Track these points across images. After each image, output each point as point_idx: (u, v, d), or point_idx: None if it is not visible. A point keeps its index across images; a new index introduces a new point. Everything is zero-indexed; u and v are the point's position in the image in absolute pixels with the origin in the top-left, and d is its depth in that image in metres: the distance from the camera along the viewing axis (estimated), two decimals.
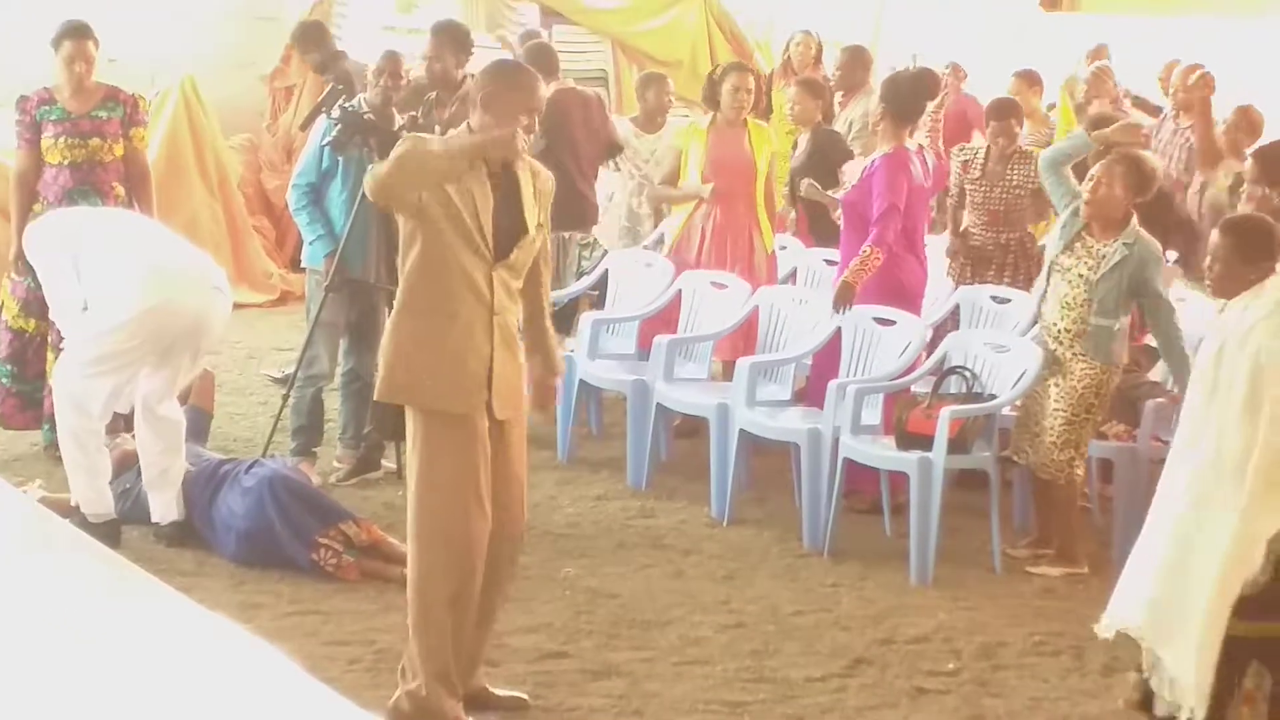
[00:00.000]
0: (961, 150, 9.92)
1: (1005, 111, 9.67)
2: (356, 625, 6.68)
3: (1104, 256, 7.61)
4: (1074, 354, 7.64)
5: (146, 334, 7.30)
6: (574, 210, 9.91)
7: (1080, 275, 7.64)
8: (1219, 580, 5.68)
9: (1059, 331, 7.69)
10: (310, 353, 8.52)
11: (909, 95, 8.72)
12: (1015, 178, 9.43)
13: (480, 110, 5.76)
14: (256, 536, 7.28)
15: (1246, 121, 9.71)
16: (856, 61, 11.56)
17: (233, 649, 3.95)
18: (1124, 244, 7.60)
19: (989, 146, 9.61)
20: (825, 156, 10.08)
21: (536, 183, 5.88)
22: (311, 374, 8.54)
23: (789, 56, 12.88)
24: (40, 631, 3.89)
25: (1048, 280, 7.83)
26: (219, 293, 7.59)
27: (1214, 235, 6.03)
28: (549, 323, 6.16)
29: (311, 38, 11.23)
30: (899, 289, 8.45)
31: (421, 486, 5.73)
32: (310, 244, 8.62)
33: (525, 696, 6.02)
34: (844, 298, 8.37)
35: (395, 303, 5.81)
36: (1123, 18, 17.90)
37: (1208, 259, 6.03)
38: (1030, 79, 12.38)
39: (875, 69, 12.28)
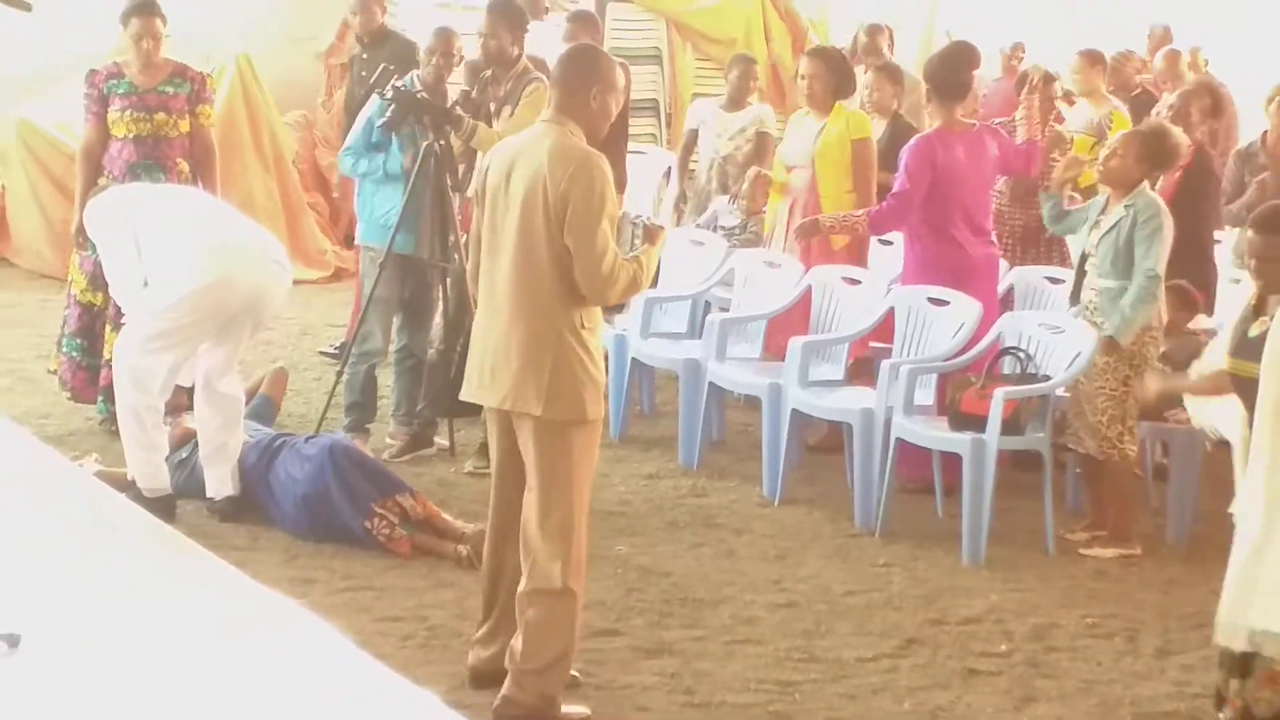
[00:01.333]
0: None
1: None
2: (409, 601, 6.70)
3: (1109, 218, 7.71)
4: (1099, 324, 7.66)
5: (206, 310, 7.33)
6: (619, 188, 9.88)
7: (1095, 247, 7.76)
8: None
9: (1093, 309, 7.70)
10: (364, 329, 8.55)
11: (948, 70, 8.66)
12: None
13: (585, 102, 5.71)
14: (314, 502, 7.32)
15: None
16: (877, 40, 11.61)
17: (286, 624, 3.98)
18: (1125, 205, 7.66)
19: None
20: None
21: None
22: (365, 350, 8.56)
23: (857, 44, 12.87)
24: (96, 605, 3.92)
25: (1080, 264, 7.85)
26: (279, 266, 7.64)
27: (1250, 235, 5.97)
28: None
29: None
30: (936, 270, 8.41)
31: (573, 488, 5.69)
32: (378, 182, 8.59)
33: (578, 674, 6.02)
34: (807, 231, 8.63)
35: (555, 315, 5.63)
36: None
37: (1250, 259, 5.97)
38: (1093, 58, 12.26)
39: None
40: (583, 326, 5.67)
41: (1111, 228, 7.68)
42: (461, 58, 8.94)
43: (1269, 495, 5.53)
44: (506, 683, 5.74)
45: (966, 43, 9.34)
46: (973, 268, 8.45)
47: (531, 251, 5.63)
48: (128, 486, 7.24)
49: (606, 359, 9.17)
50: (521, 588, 5.73)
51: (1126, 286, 7.62)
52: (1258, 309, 5.97)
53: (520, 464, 5.79)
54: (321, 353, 10.61)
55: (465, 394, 5.92)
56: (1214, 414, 6.86)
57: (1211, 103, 9.41)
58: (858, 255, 9.18)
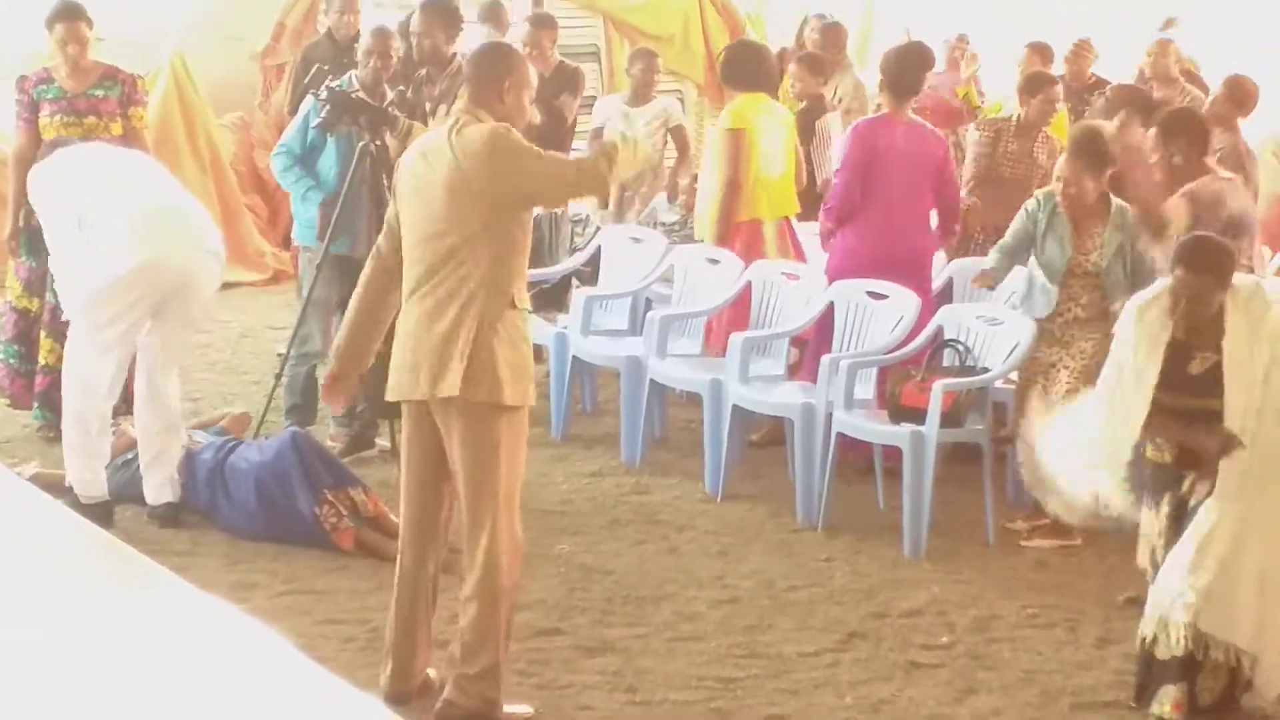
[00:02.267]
0: (994, 121, 9.84)
1: (1047, 84, 9.67)
2: (351, 604, 6.69)
3: (1101, 244, 7.64)
4: (1084, 335, 7.65)
5: (141, 290, 7.27)
6: None
7: (1083, 267, 7.66)
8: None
9: (1069, 320, 7.69)
10: (303, 330, 8.53)
11: (903, 67, 8.73)
12: (1041, 155, 9.44)
13: (498, 98, 5.73)
14: (271, 482, 7.33)
15: (1240, 91, 9.67)
16: (831, 39, 11.66)
17: (227, 629, 3.95)
18: (1115, 227, 7.65)
19: (1018, 118, 9.58)
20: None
21: None
22: (304, 352, 8.54)
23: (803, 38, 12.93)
24: (33, 613, 3.89)
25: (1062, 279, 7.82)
26: (211, 256, 7.55)
27: (1189, 276, 6.01)
28: None
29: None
30: (858, 258, 8.54)
31: (500, 482, 5.67)
32: (304, 195, 8.61)
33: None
34: None
35: (465, 305, 5.61)
36: None
37: (1177, 299, 6.03)
38: (1042, 52, 12.31)
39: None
40: (505, 313, 5.64)
41: (1116, 252, 7.64)
42: (399, 58, 8.92)
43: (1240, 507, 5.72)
44: (448, 686, 5.73)
45: (921, 44, 9.45)
46: (895, 259, 8.47)
47: (453, 240, 5.62)
48: (65, 492, 7.19)
49: (547, 356, 9.25)
50: (462, 592, 5.72)
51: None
52: (1186, 345, 6.02)
53: (438, 466, 5.76)
54: (279, 355, 10.48)
55: (390, 393, 5.85)
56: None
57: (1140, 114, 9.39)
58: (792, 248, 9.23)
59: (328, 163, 8.50)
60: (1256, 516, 5.95)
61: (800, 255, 9.31)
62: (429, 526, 5.86)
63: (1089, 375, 7.57)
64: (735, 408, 8.26)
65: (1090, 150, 7.73)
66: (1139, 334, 6.03)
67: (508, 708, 5.75)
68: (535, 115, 6.01)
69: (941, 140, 8.91)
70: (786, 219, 9.39)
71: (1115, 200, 7.73)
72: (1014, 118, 9.63)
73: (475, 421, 5.64)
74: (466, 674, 5.68)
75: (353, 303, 6.04)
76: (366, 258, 8.27)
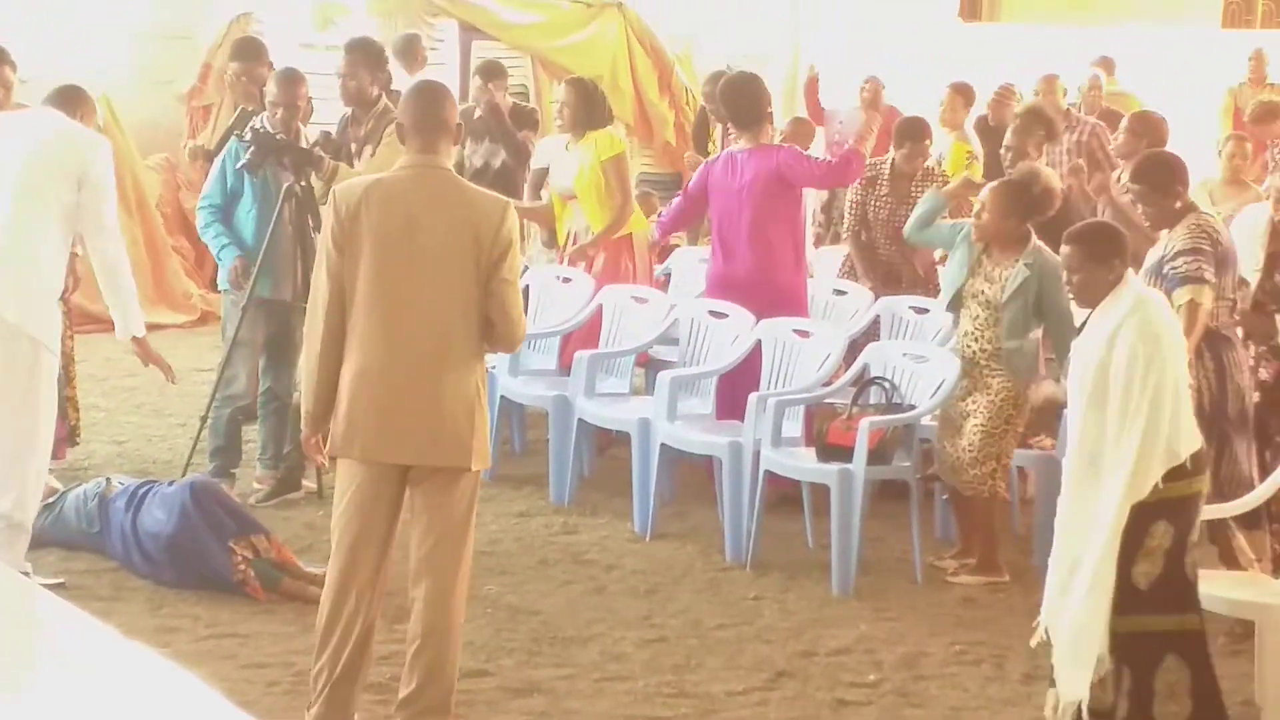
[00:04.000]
0: (868, 167, 9.92)
1: (920, 133, 9.77)
2: (275, 647, 6.63)
3: (1006, 279, 7.68)
4: (991, 371, 7.68)
5: None
6: None
7: (987, 300, 7.70)
8: (1095, 563, 5.84)
9: (974, 353, 7.73)
10: (228, 373, 8.48)
11: (746, 103, 9.06)
12: (919, 195, 9.50)
13: (453, 141, 5.78)
14: (179, 541, 7.25)
15: (1145, 125, 9.78)
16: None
17: (149, 675, 3.91)
18: (1024, 264, 7.67)
19: (893, 163, 9.67)
20: None
21: None
22: (229, 394, 8.49)
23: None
24: None
25: (956, 308, 7.87)
26: None
27: (1063, 249, 6.10)
28: None
29: (248, 48, 11.07)
30: (712, 280, 9.07)
31: (467, 538, 5.75)
32: (218, 254, 8.60)
33: None
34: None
35: (467, 369, 5.62)
36: (1041, 27, 18.06)
37: (1064, 273, 6.13)
38: (964, 93, 12.42)
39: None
40: (480, 378, 5.71)
41: (1017, 291, 7.64)
42: (309, 106, 8.87)
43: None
44: None
45: (752, 76, 9.57)
46: (733, 281, 8.82)
47: (453, 300, 5.56)
48: None
49: None
50: (429, 634, 5.66)
51: (1024, 345, 7.66)
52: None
53: (391, 519, 5.71)
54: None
55: (346, 450, 5.65)
56: None
57: (1045, 132, 9.49)
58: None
59: (245, 207, 8.46)
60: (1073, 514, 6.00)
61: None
62: (376, 577, 5.74)
63: (997, 415, 7.64)
64: (663, 446, 8.25)
65: (1019, 191, 7.80)
66: None
67: None
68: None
69: (775, 153, 8.96)
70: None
71: (1035, 241, 7.76)
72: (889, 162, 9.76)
73: (470, 485, 5.70)
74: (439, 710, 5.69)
75: (318, 365, 5.67)
76: (290, 299, 8.33)
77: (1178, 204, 7.12)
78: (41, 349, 6.88)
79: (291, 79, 8.62)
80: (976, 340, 7.74)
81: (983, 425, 7.67)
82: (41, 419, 6.93)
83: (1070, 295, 6.29)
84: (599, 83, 13.51)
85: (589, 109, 9.58)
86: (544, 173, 10.85)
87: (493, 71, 11.11)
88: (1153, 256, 7.17)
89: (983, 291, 7.73)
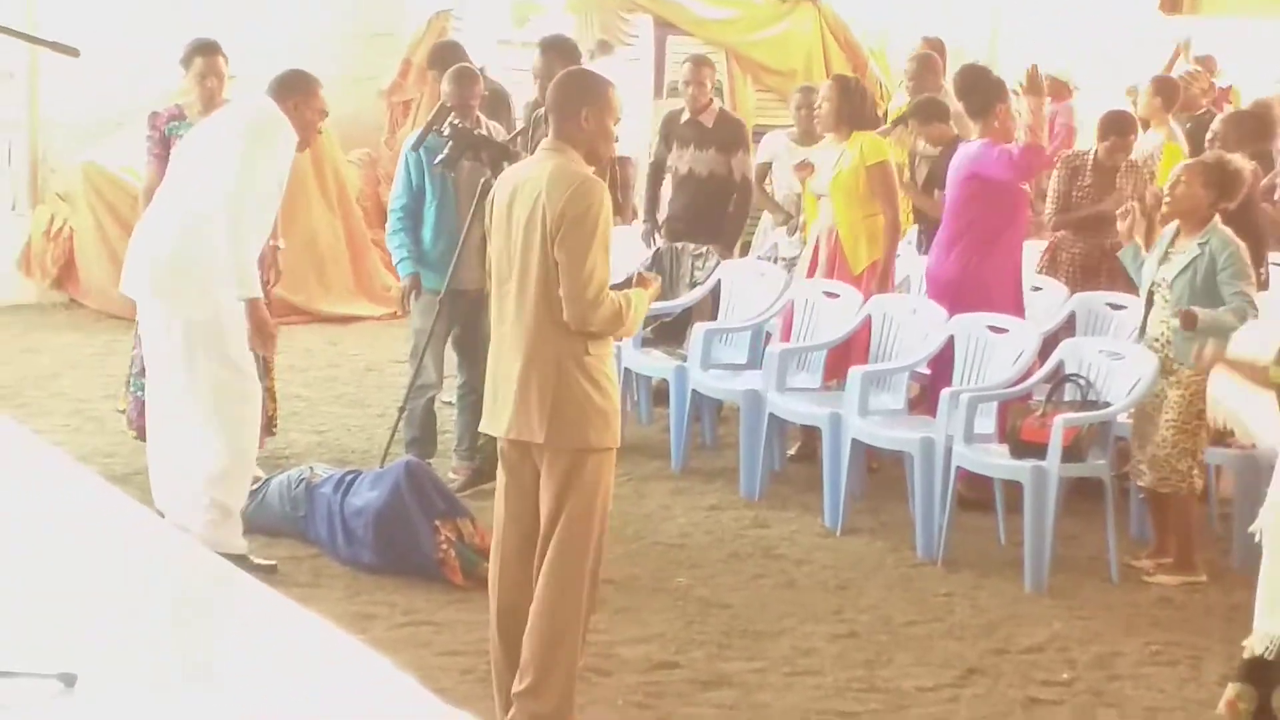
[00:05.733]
0: (1073, 157, 9.86)
1: (1125, 128, 9.66)
2: (470, 635, 6.71)
3: (1177, 259, 7.59)
4: (1178, 364, 7.57)
5: None
6: None
7: (1169, 287, 7.60)
8: None
9: (1164, 344, 7.62)
10: (420, 363, 8.62)
11: (978, 90, 9.05)
12: (1127, 187, 9.40)
13: (579, 125, 5.71)
14: (387, 513, 7.39)
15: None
16: (926, 68, 11.60)
17: (347, 660, 4.00)
18: (1198, 244, 7.56)
19: (1095, 155, 9.57)
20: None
21: None
22: (421, 384, 8.64)
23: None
24: (155, 643, 3.96)
25: (1149, 298, 7.77)
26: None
27: None
28: None
29: (446, 52, 11.26)
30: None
31: (585, 524, 5.69)
32: (396, 265, 8.79)
33: None
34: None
35: (542, 343, 5.64)
36: (1244, 19, 17.68)
37: None
38: (1165, 90, 12.20)
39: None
40: (587, 353, 5.65)
41: (1187, 266, 7.56)
42: (482, 101, 8.95)
43: None
44: (512, 712, 5.74)
45: (984, 69, 9.55)
46: (935, 280, 8.96)
47: (533, 277, 5.64)
48: None
49: (667, 391, 9.31)
50: (535, 618, 5.71)
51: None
52: None
53: (528, 504, 5.78)
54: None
55: (482, 425, 5.95)
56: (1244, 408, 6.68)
57: (1256, 127, 9.34)
58: (883, 279, 9.18)
59: (428, 204, 8.61)
60: None
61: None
62: (518, 558, 5.84)
63: (1188, 409, 7.50)
64: (855, 441, 8.24)
65: (1212, 169, 7.68)
66: None
67: None
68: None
69: (981, 148, 8.85)
70: None
71: (1216, 222, 7.64)
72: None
73: (560, 464, 5.68)
74: (540, 710, 5.71)
75: None
76: (481, 292, 8.43)
77: None
78: (189, 324, 7.09)
79: (465, 78, 8.74)
80: (1163, 333, 7.63)
81: (1174, 421, 7.56)
82: (213, 394, 7.11)
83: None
84: (794, 77, 13.58)
85: (852, 107, 9.36)
86: (768, 167, 10.88)
87: (703, 61, 10.80)
88: None
89: (1165, 279, 7.63)
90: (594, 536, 5.73)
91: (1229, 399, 6.07)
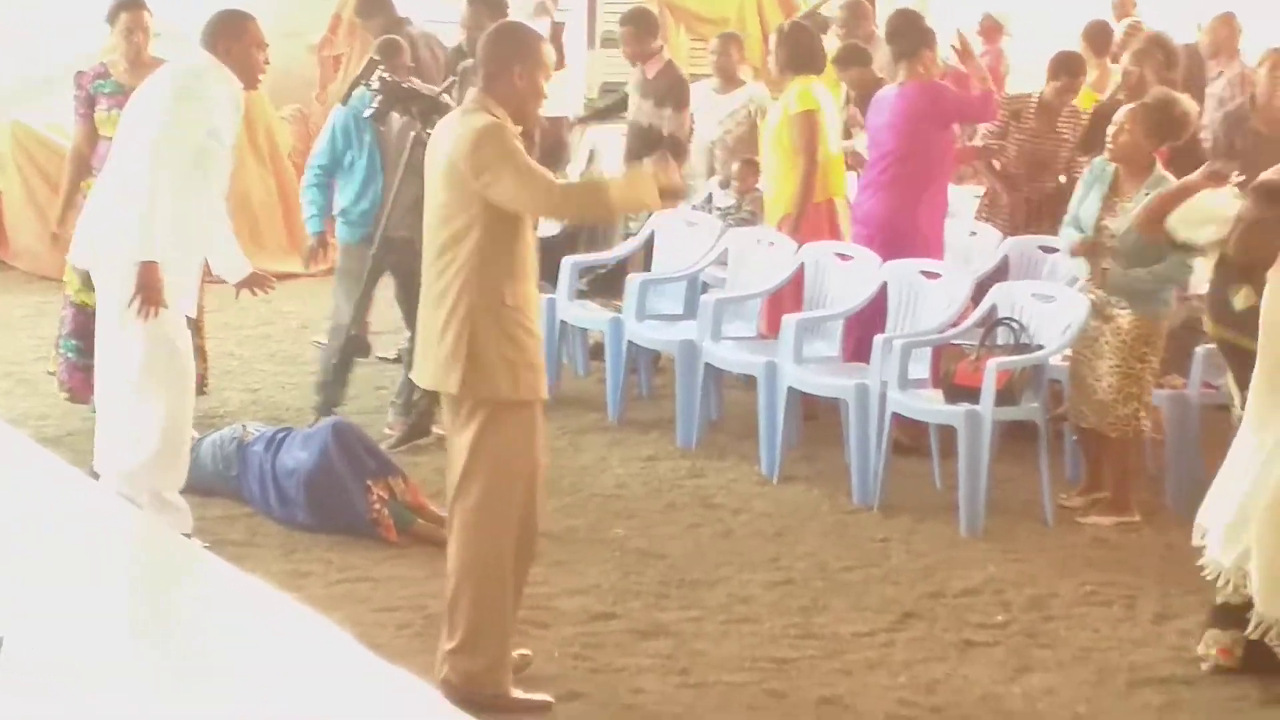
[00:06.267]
0: (1013, 100, 9.86)
1: (1076, 69, 9.66)
2: (406, 591, 6.71)
3: (1126, 210, 7.60)
4: (1121, 309, 7.60)
5: None
6: None
7: (1113, 235, 7.62)
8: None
9: (1114, 297, 7.65)
10: (332, 304, 8.64)
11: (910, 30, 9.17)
12: (1065, 131, 9.44)
13: (504, 81, 5.66)
14: (318, 476, 7.37)
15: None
16: (856, 15, 11.62)
17: (283, 619, 3.99)
18: (1145, 193, 7.56)
19: (1041, 96, 9.57)
20: None
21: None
22: (335, 325, 8.72)
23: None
24: (87, 604, 3.93)
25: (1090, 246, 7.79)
26: None
27: (1249, 202, 5.90)
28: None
29: (374, 3, 11.18)
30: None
31: (497, 478, 5.63)
32: (306, 220, 8.88)
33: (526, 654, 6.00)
34: None
35: (458, 295, 5.59)
36: None
37: (1236, 225, 5.90)
38: (1095, 38, 12.21)
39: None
40: (504, 304, 5.59)
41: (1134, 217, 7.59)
42: (413, 62, 8.97)
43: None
44: (445, 671, 5.72)
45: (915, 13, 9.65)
46: (868, 222, 9.03)
47: (450, 227, 5.61)
48: None
49: (603, 343, 9.31)
50: (451, 574, 5.72)
51: (1146, 276, 7.58)
52: (1240, 277, 5.93)
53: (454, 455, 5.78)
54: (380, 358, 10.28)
55: (411, 374, 6.00)
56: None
57: (1164, 57, 9.36)
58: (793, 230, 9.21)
59: (356, 160, 8.60)
60: None
61: (840, 236, 9.37)
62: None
63: (1130, 353, 7.55)
64: (790, 389, 8.26)
65: (1157, 112, 7.70)
66: None
67: (521, 693, 5.75)
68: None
69: (926, 88, 8.92)
70: (840, 198, 9.47)
71: (1160, 170, 7.68)
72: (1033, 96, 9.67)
73: (473, 415, 5.63)
74: (471, 668, 5.68)
75: None
76: (416, 241, 8.39)
77: None
78: (122, 295, 6.87)
79: (390, 49, 8.87)
80: (1103, 276, 7.66)
81: (1118, 366, 7.60)
82: (144, 371, 6.93)
83: (1241, 248, 6.00)
84: (726, 25, 13.53)
85: (792, 52, 9.36)
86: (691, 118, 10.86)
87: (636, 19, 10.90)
88: None
89: (1107, 227, 7.65)
90: (507, 491, 5.67)
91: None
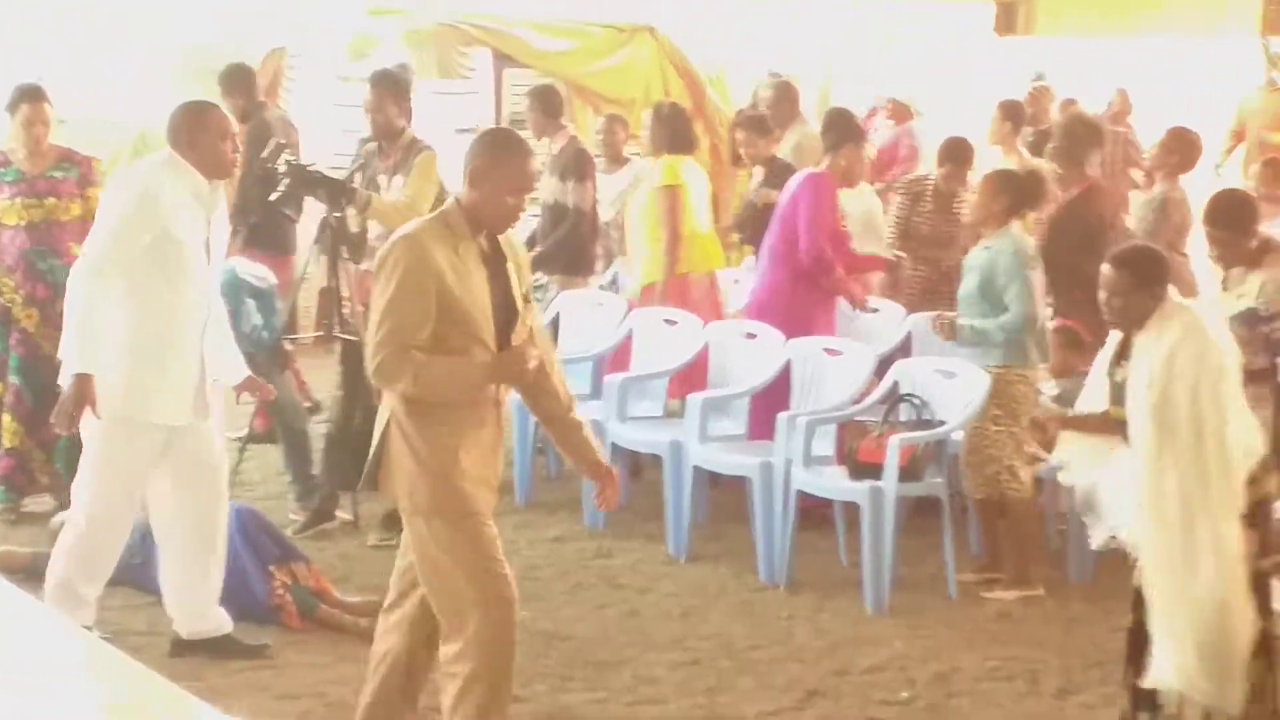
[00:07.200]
0: (914, 183, 10.04)
1: (962, 156, 9.83)
2: (309, 678, 6.65)
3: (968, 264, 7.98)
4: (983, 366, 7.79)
5: None
6: None
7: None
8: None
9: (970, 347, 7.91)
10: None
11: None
12: (960, 212, 9.59)
13: (469, 186, 5.44)
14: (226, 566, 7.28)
15: (1179, 142, 9.86)
16: (783, 96, 11.73)
17: (179, 711, 3.95)
18: (984, 246, 7.87)
19: (936, 183, 9.75)
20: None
21: (517, 254, 5.63)
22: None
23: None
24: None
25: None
26: None
27: (1105, 269, 5.91)
28: (577, 414, 5.85)
29: (237, 82, 11.09)
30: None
31: (445, 584, 5.47)
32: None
33: None
34: None
35: (397, 410, 5.44)
36: (1076, 40, 18.04)
37: (1103, 294, 5.92)
38: (1012, 112, 12.35)
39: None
40: (406, 414, 5.42)
41: (974, 267, 7.84)
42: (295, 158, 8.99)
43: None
44: None
45: (848, 112, 9.78)
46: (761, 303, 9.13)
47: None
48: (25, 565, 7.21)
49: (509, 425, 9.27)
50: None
51: (983, 327, 7.79)
52: (1120, 353, 5.96)
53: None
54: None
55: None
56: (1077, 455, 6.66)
57: (1095, 141, 9.53)
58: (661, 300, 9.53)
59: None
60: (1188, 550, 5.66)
61: (719, 310, 9.69)
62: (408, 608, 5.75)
63: (980, 411, 7.66)
64: (696, 468, 8.28)
65: (1006, 176, 8.17)
66: None
67: None
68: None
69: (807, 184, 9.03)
70: (713, 272, 9.89)
71: (1008, 226, 7.90)
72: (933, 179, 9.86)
73: (416, 526, 5.52)
74: None
75: None
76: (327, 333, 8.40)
77: (1254, 242, 6.99)
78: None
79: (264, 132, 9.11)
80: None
81: (978, 428, 7.71)
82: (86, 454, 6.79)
83: (1107, 317, 6.02)
84: (633, 106, 13.62)
85: (665, 132, 9.81)
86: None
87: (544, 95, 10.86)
88: (1230, 303, 6.89)
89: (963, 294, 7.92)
90: (458, 598, 5.46)
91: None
